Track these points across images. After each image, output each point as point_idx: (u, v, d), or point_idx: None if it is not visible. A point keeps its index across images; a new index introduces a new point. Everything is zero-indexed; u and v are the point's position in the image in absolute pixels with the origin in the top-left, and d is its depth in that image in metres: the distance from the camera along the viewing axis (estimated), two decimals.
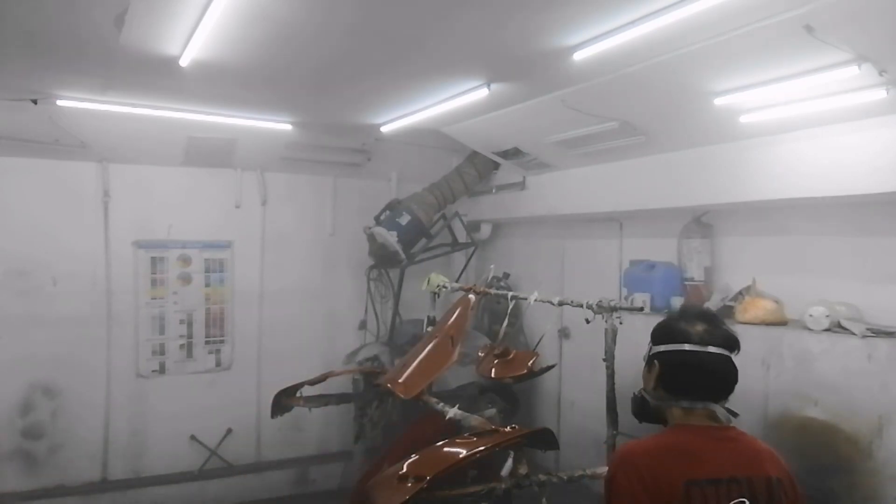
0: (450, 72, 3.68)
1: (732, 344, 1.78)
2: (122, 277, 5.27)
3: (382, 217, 5.53)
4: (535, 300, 3.65)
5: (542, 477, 2.91)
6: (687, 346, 1.76)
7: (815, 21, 2.47)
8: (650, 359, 1.86)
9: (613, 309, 3.17)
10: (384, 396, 4.69)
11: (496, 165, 5.69)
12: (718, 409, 1.75)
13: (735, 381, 1.78)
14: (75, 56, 3.51)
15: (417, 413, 4.15)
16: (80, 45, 3.33)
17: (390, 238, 5.36)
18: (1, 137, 4.58)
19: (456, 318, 4.05)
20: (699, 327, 1.78)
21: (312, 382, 4.18)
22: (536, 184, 5.34)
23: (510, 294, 3.87)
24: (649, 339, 1.90)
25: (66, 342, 5.04)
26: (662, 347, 1.82)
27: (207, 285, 5.61)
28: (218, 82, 3.88)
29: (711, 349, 1.74)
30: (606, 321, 3.17)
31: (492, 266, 4.70)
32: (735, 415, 1.81)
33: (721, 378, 1.76)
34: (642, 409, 1.91)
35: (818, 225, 3.62)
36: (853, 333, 3.01)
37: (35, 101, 4.24)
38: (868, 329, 3.03)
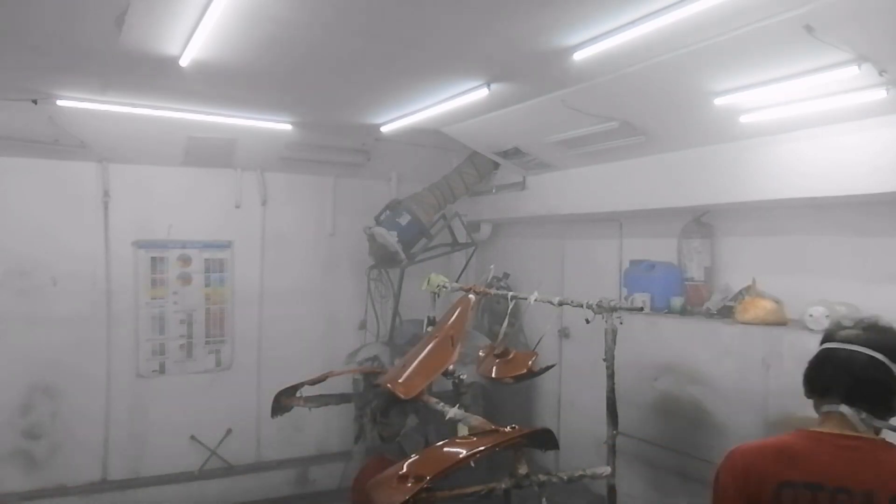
0: (450, 72, 3.68)
1: (881, 346, 1.62)
2: (122, 277, 5.27)
3: (382, 217, 5.53)
4: (535, 300, 3.64)
5: (542, 477, 2.91)
6: (827, 344, 1.71)
7: (815, 21, 2.47)
8: None
9: (613, 309, 3.17)
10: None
11: (496, 165, 5.68)
12: (852, 415, 1.61)
13: (882, 386, 1.61)
14: (75, 56, 3.51)
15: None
16: (80, 46, 3.33)
17: (390, 238, 5.36)
18: (1, 137, 4.58)
19: (456, 318, 4.04)
20: (853, 331, 1.68)
21: (312, 382, 4.17)
22: (536, 184, 5.33)
23: (510, 294, 3.87)
24: None
25: (66, 342, 5.04)
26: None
27: (207, 285, 5.61)
28: (218, 82, 3.88)
29: (849, 346, 1.64)
30: (606, 321, 3.17)
31: (492, 266, 4.69)
32: None
33: (853, 376, 1.62)
34: None
35: (818, 225, 3.62)
36: None
37: (35, 101, 4.24)
38: None
